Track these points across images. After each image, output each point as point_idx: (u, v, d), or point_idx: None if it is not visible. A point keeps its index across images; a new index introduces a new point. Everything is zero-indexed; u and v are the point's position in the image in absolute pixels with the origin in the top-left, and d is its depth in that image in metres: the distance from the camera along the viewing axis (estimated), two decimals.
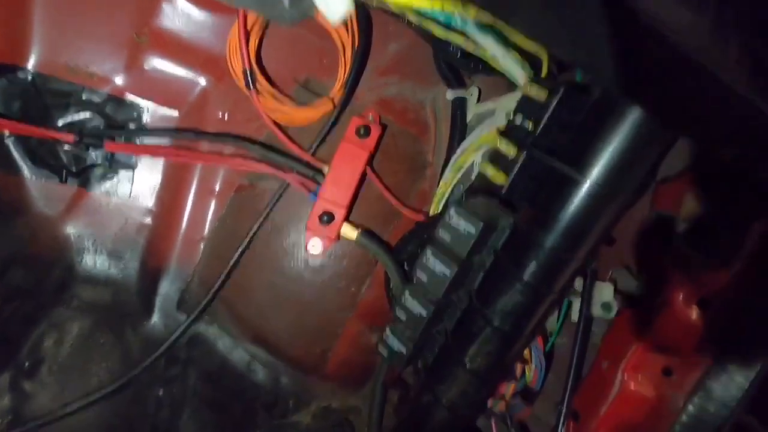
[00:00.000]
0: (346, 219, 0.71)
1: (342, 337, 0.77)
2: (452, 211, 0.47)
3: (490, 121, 0.69)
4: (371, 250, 0.71)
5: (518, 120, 0.44)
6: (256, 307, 0.75)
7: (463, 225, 0.45)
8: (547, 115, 0.40)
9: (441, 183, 0.75)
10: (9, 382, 0.63)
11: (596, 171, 0.36)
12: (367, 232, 0.71)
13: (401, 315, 0.51)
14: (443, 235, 0.47)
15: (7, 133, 0.66)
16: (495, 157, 0.45)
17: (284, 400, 0.75)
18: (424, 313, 0.48)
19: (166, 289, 0.75)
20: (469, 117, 0.78)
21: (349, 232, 0.71)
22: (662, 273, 0.46)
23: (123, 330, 0.71)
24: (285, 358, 0.77)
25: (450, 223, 0.46)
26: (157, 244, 0.75)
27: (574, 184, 0.37)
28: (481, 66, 0.71)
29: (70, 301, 0.69)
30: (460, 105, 0.77)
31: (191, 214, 0.75)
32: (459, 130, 0.77)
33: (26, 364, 0.65)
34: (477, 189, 0.52)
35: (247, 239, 0.72)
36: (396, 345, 0.52)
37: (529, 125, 0.42)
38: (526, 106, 0.43)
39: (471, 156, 0.73)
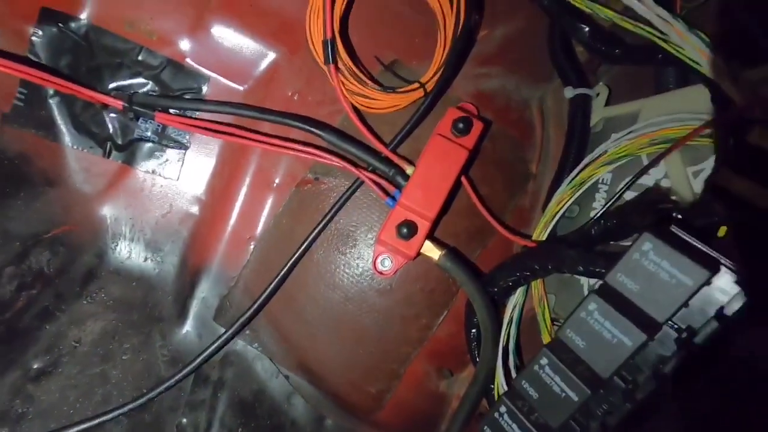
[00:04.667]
0: (430, 234, 0.56)
1: (404, 377, 0.63)
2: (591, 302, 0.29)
3: (635, 127, 0.53)
4: (456, 276, 0.57)
5: None
6: (305, 326, 0.62)
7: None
8: None
9: (553, 200, 0.59)
10: (11, 385, 0.53)
11: None
12: (452, 253, 0.57)
13: (528, 390, 0.34)
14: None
15: (51, 91, 0.58)
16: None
17: None
18: (574, 396, 0.31)
19: (206, 292, 0.63)
20: (593, 121, 0.62)
21: (432, 250, 0.56)
22: None
23: (151, 336, 0.60)
24: (332, 394, 0.63)
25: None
26: (202, 238, 0.64)
27: None
28: (623, 51, 0.56)
29: (96, 294, 0.59)
30: (581, 105, 0.62)
31: (243, 208, 0.63)
32: (579, 135, 0.61)
33: (34, 366, 0.54)
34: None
35: (305, 244, 0.59)
36: None
37: None
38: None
39: (599, 171, 0.57)
